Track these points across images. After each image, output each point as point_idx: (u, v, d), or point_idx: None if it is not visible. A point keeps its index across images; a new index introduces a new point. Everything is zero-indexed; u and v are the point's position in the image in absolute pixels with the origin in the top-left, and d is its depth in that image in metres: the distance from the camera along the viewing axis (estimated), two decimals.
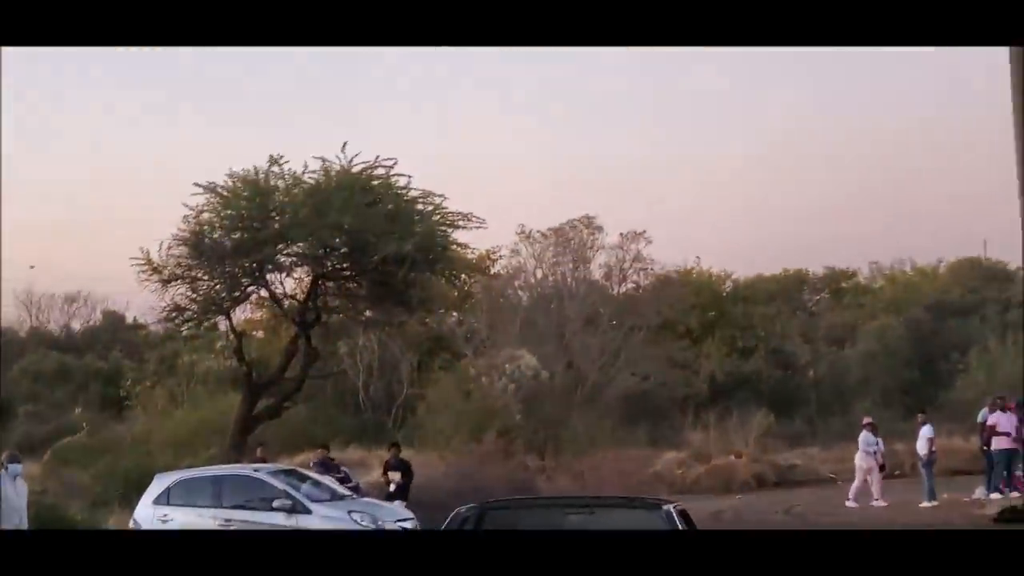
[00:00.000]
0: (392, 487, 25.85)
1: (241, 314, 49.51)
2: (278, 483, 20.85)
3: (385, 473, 26.67)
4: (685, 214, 79.97)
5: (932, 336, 57.06)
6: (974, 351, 51.31)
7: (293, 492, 20.64)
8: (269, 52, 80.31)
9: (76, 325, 71.72)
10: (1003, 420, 27.97)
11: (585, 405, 45.89)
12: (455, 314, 53.14)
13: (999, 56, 11.07)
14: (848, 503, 29.90)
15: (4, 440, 52.40)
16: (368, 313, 32.61)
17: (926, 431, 30.27)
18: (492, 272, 53.79)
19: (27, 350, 64.05)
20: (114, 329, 68.59)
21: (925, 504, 28.65)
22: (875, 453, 30.33)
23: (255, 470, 21.89)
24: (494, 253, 54.24)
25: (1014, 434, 27.94)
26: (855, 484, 30.36)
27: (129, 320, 67.90)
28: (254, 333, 51.67)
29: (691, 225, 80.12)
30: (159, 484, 21.48)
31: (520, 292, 52.29)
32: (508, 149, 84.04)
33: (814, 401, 55.41)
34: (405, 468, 26.20)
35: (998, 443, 28.01)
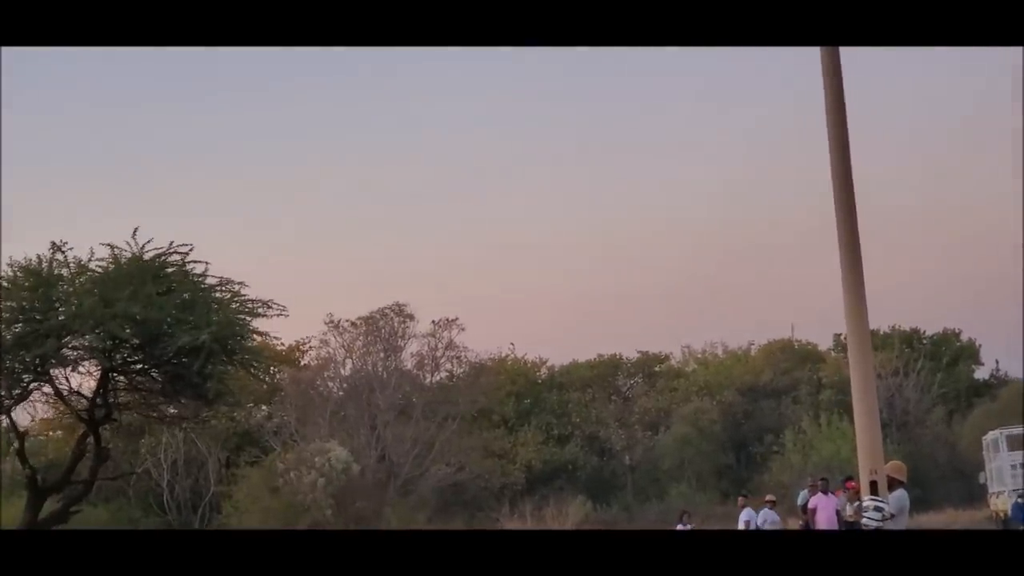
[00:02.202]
0: None
1: (34, 413, 47.51)
2: None
3: None
4: (498, 301, 79.87)
5: (746, 418, 57.52)
6: (788, 432, 51.70)
7: None
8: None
9: None
10: (824, 502, 27.56)
11: (399, 497, 44.77)
12: (264, 408, 51.68)
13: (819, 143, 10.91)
14: None
15: None
16: (166, 409, 30.83)
17: (745, 515, 29.75)
18: (302, 363, 52.58)
19: None
20: None
21: None
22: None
23: None
24: (303, 344, 53.13)
25: (835, 517, 27.47)
26: None
27: None
28: (51, 433, 49.44)
29: (504, 312, 79.99)
30: None
31: (330, 383, 51.04)
32: (317, 237, 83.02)
33: (631, 487, 55.26)
34: None
35: (819, 526, 27.61)
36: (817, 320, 75.99)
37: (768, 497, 30.44)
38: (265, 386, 47.93)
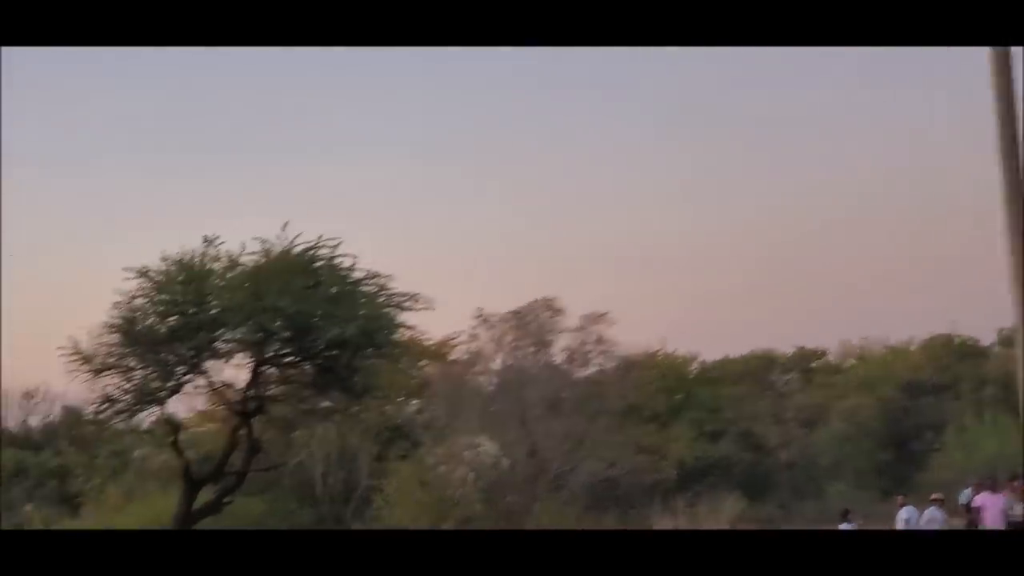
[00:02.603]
0: None
1: (190, 405, 48.53)
2: None
3: None
4: (648, 294, 79.09)
5: (905, 415, 56.11)
6: (950, 430, 50.32)
7: None
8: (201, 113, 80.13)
9: (34, 421, 70.19)
10: (990, 501, 26.49)
11: (549, 493, 44.49)
12: (414, 402, 51.93)
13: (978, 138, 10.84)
14: None
15: None
16: (317, 402, 31.09)
17: (903, 513, 28.98)
18: (451, 358, 52.66)
19: None
20: (72, 424, 66.80)
21: None
22: None
23: None
24: (453, 339, 53.23)
25: (1001, 516, 26.35)
26: None
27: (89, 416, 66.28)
28: (207, 426, 50.39)
29: (655, 306, 79.20)
30: None
31: (479, 378, 50.96)
32: (466, 228, 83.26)
33: (786, 484, 54.26)
34: None
35: (985, 525, 26.57)
36: (979, 315, 73.79)
37: (935, 495, 29.48)
38: (414, 380, 48.26)
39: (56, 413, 69.21)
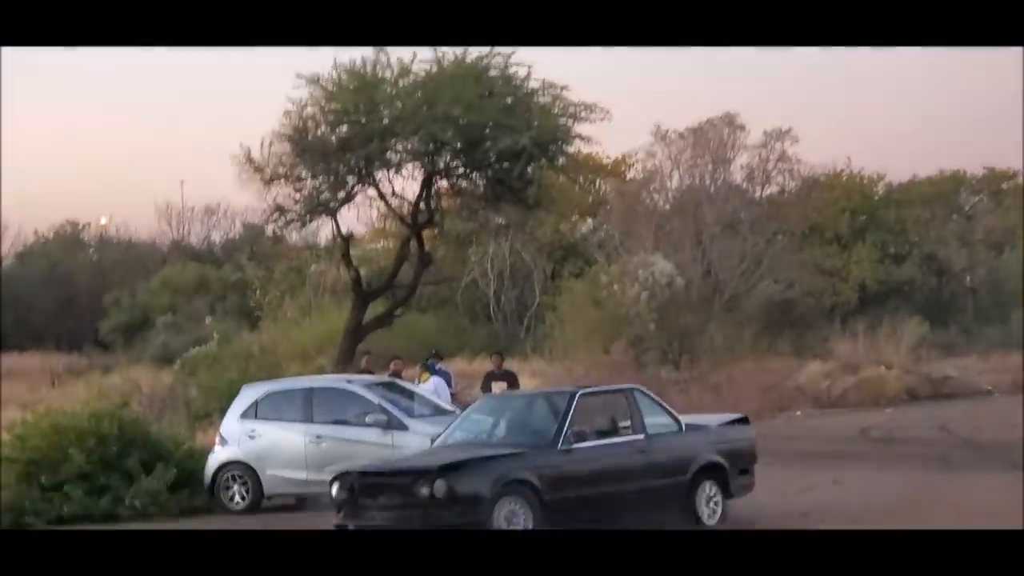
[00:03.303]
0: None
1: (362, 222, 48.78)
2: (373, 396, 18.56)
3: (486, 384, 23.18)
4: (834, 112, 76.41)
5: None
6: None
7: (388, 407, 18.58)
8: None
9: (216, 237, 71.83)
10: None
11: (724, 314, 43.56)
12: (589, 220, 51.28)
13: None
14: None
15: (142, 350, 52.54)
16: (489, 216, 30.66)
17: None
18: (627, 178, 51.60)
19: (167, 262, 64.36)
20: (253, 240, 68.10)
21: None
22: None
23: (348, 381, 19.84)
24: (629, 158, 52.11)
25: None
26: None
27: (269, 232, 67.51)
28: (381, 243, 50.74)
29: (840, 123, 76.54)
30: (247, 397, 19.43)
31: (655, 196, 49.81)
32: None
33: (971, 309, 52.61)
34: (511, 379, 23.80)
35: None
36: None
37: None
38: (589, 198, 47.54)
39: (236, 229, 70.67)
